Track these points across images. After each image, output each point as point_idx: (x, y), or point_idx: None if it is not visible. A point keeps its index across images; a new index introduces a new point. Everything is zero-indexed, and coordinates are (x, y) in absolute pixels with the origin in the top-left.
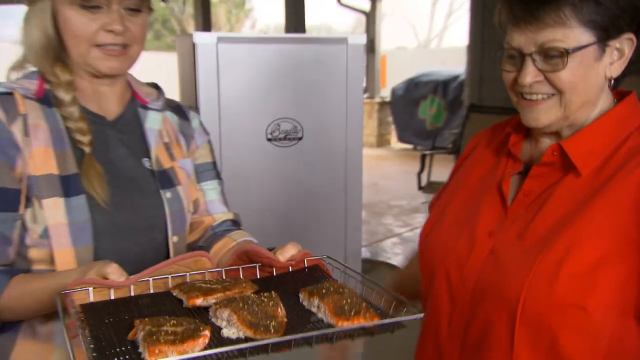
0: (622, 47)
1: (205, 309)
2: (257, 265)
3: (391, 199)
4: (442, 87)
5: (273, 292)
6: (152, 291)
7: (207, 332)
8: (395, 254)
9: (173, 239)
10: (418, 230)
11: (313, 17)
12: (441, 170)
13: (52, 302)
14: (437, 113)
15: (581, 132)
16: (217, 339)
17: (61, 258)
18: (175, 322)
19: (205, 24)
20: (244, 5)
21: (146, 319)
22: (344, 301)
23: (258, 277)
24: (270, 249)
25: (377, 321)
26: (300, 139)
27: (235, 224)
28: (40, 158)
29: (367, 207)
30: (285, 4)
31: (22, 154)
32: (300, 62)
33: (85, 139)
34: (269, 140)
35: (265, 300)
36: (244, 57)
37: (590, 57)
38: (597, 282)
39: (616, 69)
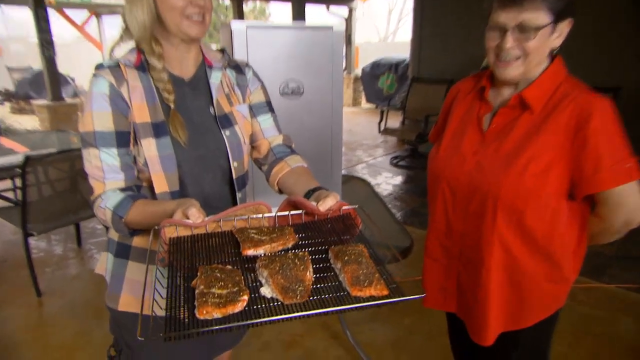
0: (563, 29)
1: (255, 257)
2: (303, 212)
3: (361, 139)
4: (394, 67)
5: (306, 253)
6: (222, 229)
7: (245, 297)
8: (363, 174)
9: (234, 164)
10: (379, 158)
11: (310, 20)
12: (393, 120)
13: (156, 222)
14: (390, 84)
15: (533, 84)
16: (253, 300)
17: (156, 180)
18: (222, 283)
19: None
20: (265, 13)
21: (206, 270)
22: (361, 271)
23: (303, 221)
24: (316, 189)
25: (385, 294)
26: (302, 93)
27: (289, 146)
28: (138, 110)
29: (345, 144)
30: (292, 12)
31: (129, 107)
32: (302, 42)
33: (171, 97)
34: (281, 94)
35: (298, 263)
36: (265, 39)
37: (547, 33)
38: (547, 178)
39: (557, 43)
